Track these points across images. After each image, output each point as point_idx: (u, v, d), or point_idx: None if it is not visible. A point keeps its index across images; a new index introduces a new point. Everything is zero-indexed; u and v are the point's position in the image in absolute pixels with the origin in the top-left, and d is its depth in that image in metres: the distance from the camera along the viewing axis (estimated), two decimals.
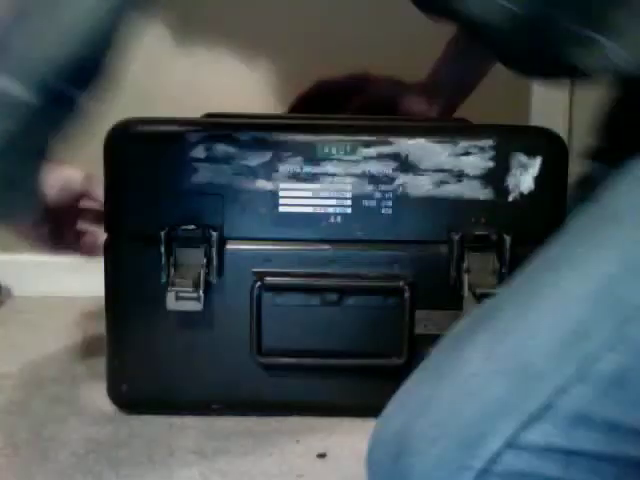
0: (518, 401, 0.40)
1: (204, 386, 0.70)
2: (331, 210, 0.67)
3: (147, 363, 0.69)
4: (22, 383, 0.79)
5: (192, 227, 0.66)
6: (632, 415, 0.40)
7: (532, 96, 1.04)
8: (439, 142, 0.66)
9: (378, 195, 0.67)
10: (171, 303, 0.65)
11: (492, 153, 0.66)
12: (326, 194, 0.67)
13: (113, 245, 0.68)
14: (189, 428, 0.68)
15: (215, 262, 0.67)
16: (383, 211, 0.67)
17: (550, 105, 1.03)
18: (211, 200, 0.66)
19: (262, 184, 0.66)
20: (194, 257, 0.66)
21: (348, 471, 0.61)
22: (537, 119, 1.01)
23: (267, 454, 0.64)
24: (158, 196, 0.67)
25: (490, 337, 0.43)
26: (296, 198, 0.67)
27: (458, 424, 0.41)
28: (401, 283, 0.67)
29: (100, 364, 0.72)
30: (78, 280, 1.08)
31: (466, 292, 0.66)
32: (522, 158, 0.66)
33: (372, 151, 0.66)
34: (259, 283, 0.67)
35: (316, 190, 0.67)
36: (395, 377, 0.69)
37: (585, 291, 0.42)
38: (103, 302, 0.69)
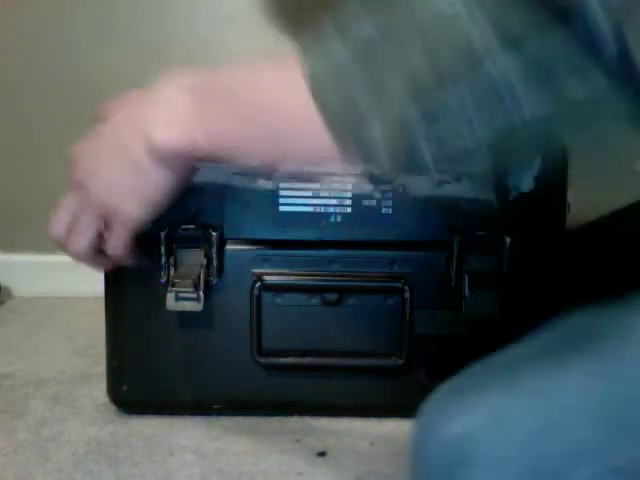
0: (603, 450, 0.38)
1: (204, 386, 0.70)
2: (331, 210, 0.67)
3: (147, 363, 0.69)
4: (22, 383, 0.79)
5: (192, 227, 0.66)
6: None
7: None
8: None
9: (378, 195, 0.67)
10: (171, 303, 0.65)
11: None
12: (326, 194, 0.67)
13: None
14: (189, 428, 0.68)
15: (215, 262, 0.67)
16: (383, 211, 0.67)
17: None
18: (211, 199, 0.66)
19: (262, 183, 0.66)
20: (194, 257, 0.66)
21: (348, 471, 0.61)
22: None
23: (267, 454, 0.64)
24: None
25: (586, 371, 0.40)
26: (296, 197, 0.67)
27: (536, 453, 0.39)
28: (401, 283, 0.67)
29: (100, 364, 0.72)
30: (78, 280, 1.08)
31: (466, 292, 0.66)
32: (522, 159, 0.66)
33: None
34: (259, 283, 0.67)
35: (316, 190, 0.67)
36: (395, 377, 0.70)
37: None
38: (103, 302, 0.69)
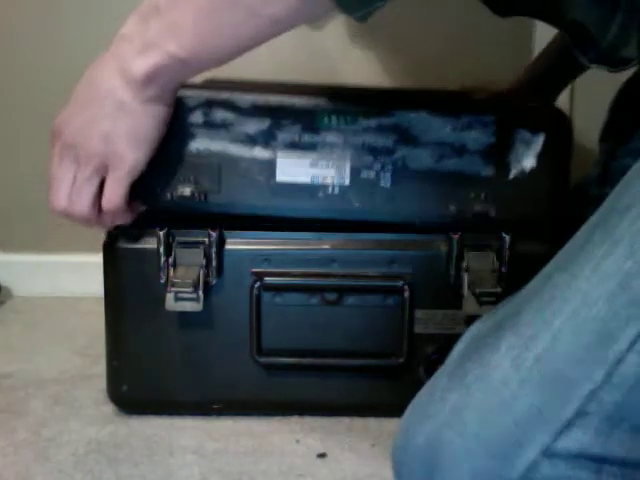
0: (551, 409, 0.40)
1: (204, 386, 0.70)
2: (329, 181, 0.65)
3: (147, 363, 0.69)
4: (22, 383, 0.79)
5: (191, 229, 0.67)
6: None
7: None
8: (441, 115, 0.64)
9: (377, 167, 0.65)
10: (170, 304, 0.65)
11: (495, 128, 0.64)
12: (324, 164, 0.65)
13: (113, 245, 0.68)
14: (189, 428, 0.68)
15: (214, 262, 0.67)
16: (382, 184, 0.65)
17: None
18: (208, 167, 0.65)
19: (260, 152, 0.65)
20: (193, 257, 0.66)
21: (348, 471, 0.61)
22: None
23: (267, 454, 0.64)
24: (155, 160, 0.63)
25: (515, 343, 0.43)
26: (294, 167, 0.65)
27: (492, 435, 0.41)
28: (400, 282, 0.67)
29: (100, 364, 0.72)
30: (78, 280, 1.08)
31: (465, 291, 0.66)
32: (525, 134, 0.64)
33: (373, 122, 0.64)
34: (258, 283, 0.67)
35: (314, 160, 0.65)
36: (395, 377, 0.70)
37: (604, 291, 0.41)
38: (103, 302, 0.69)
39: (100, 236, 0.69)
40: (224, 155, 0.65)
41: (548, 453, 0.39)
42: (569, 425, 0.39)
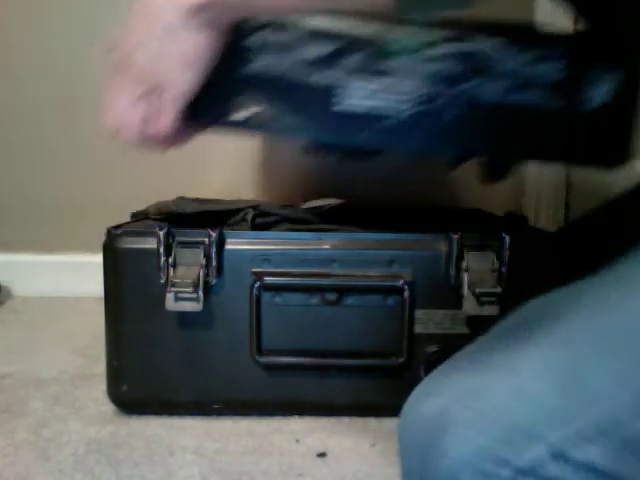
0: (571, 417, 0.40)
1: (204, 386, 0.70)
2: (392, 110, 0.60)
3: (147, 363, 0.69)
4: (22, 383, 0.79)
5: (191, 229, 0.67)
6: None
7: None
8: (513, 45, 0.60)
9: (443, 98, 0.60)
10: (170, 304, 0.65)
11: (567, 61, 0.60)
12: (387, 93, 0.60)
13: (113, 245, 0.68)
14: (189, 428, 0.68)
15: (214, 262, 0.67)
16: (446, 116, 0.60)
17: None
18: (264, 92, 0.61)
19: (321, 78, 0.60)
20: (193, 257, 0.66)
21: (348, 470, 0.61)
22: None
23: (267, 454, 0.64)
24: (210, 83, 0.59)
25: (549, 342, 0.43)
26: (356, 95, 0.60)
27: (505, 420, 0.40)
28: (400, 282, 0.67)
29: (100, 364, 0.72)
30: (78, 280, 1.08)
31: (465, 291, 0.66)
32: (598, 70, 0.60)
33: (442, 50, 0.60)
34: (258, 283, 0.67)
35: (378, 89, 0.60)
36: (395, 377, 0.70)
37: (634, 307, 0.42)
38: (103, 302, 0.69)
39: (100, 236, 0.69)
40: (282, 80, 0.61)
41: (557, 455, 0.39)
42: (587, 439, 0.39)
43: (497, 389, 0.42)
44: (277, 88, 0.61)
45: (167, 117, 0.58)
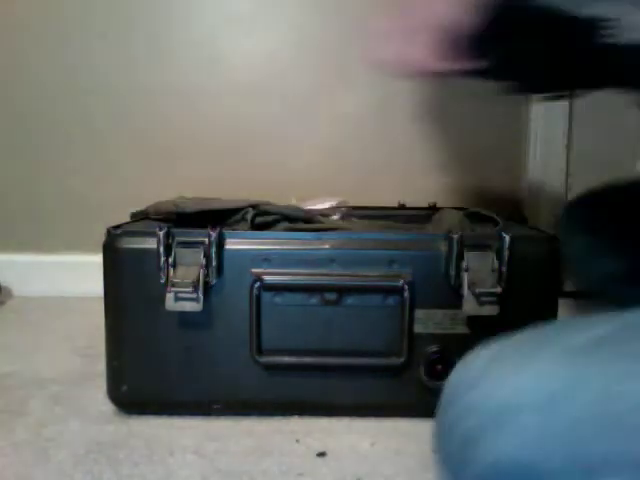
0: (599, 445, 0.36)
1: (204, 386, 0.70)
2: None
3: (147, 363, 0.69)
4: (22, 383, 0.79)
5: (190, 229, 0.66)
6: None
7: None
8: None
9: None
10: (170, 304, 0.65)
11: None
12: None
13: (113, 245, 0.68)
14: (189, 428, 0.68)
15: (214, 262, 0.67)
16: None
17: None
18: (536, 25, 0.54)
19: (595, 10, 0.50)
20: (193, 257, 0.66)
21: (348, 470, 0.61)
22: None
23: (267, 454, 0.64)
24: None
25: (604, 370, 0.38)
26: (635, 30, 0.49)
27: (607, 410, 0.36)
28: (400, 282, 0.67)
29: (100, 364, 0.72)
30: (78, 280, 1.08)
31: (465, 291, 0.66)
32: None
33: None
34: (258, 283, 0.67)
35: None
36: (395, 376, 0.70)
37: None
38: (103, 302, 0.69)
39: (100, 236, 0.69)
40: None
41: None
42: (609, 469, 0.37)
43: (594, 381, 0.38)
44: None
45: (430, 50, 0.58)
